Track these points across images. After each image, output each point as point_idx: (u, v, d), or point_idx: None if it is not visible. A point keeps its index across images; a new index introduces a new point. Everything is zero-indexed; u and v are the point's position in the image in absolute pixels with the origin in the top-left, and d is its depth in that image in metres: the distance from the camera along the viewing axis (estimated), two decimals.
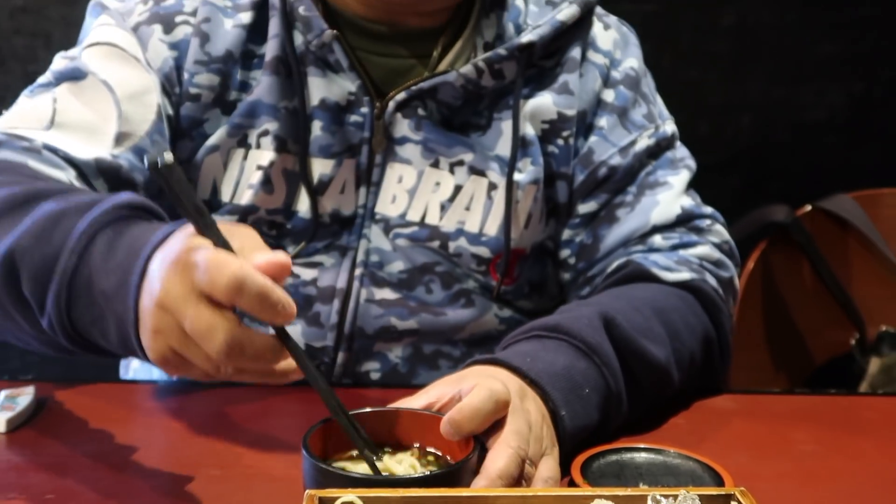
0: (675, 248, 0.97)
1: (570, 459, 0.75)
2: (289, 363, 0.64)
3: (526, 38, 0.92)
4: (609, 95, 0.98)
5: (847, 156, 1.88)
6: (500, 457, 0.66)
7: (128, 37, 0.91)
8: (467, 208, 0.94)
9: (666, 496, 0.62)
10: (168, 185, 0.59)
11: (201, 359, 0.61)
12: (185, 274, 0.59)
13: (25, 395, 0.86)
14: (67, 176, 0.83)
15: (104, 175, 0.86)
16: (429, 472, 0.67)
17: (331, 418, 0.68)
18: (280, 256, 0.61)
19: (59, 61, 0.92)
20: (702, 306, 0.93)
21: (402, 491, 0.63)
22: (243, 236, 0.63)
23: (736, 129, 1.86)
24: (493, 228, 0.94)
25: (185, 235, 0.62)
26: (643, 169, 0.98)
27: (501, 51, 0.91)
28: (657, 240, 0.97)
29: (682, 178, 0.99)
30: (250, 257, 0.60)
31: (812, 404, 0.96)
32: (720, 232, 1.01)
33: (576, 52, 0.96)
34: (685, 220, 0.98)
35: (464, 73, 0.91)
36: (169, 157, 0.59)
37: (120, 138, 0.87)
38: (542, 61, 0.95)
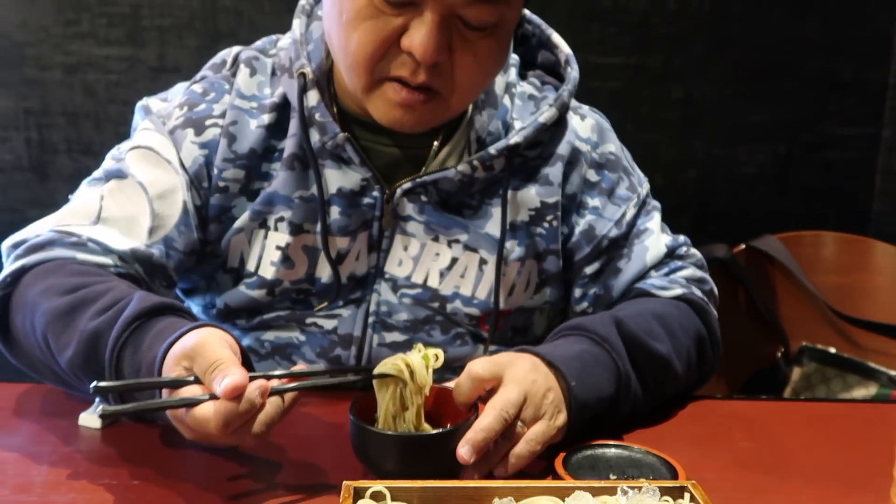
0: (666, 274, 0.97)
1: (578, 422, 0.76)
2: (272, 406, 0.67)
3: (513, 140, 0.89)
4: (594, 177, 0.96)
5: (773, 204, 1.87)
6: (485, 416, 0.70)
7: (164, 140, 0.89)
8: (462, 276, 0.92)
9: (632, 487, 0.63)
10: (123, 414, 0.71)
11: (214, 439, 0.66)
12: (180, 424, 0.68)
13: None
14: (111, 260, 0.83)
15: (139, 261, 0.85)
16: (435, 432, 0.71)
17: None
18: (233, 380, 0.62)
19: (109, 161, 0.91)
20: (694, 312, 0.94)
21: (421, 482, 0.63)
22: (208, 376, 0.65)
23: (685, 181, 1.86)
24: (482, 294, 0.92)
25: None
26: (632, 230, 0.97)
27: (492, 151, 0.88)
28: (652, 273, 0.97)
29: (656, 220, 0.99)
30: (214, 384, 0.63)
31: (747, 408, 0.95)
32: (694, 253, 1.01)
33: (556, 147, 0.93)
34: (670, 254, 0.99)
35: (461, 169, 0.88)
36: (104, 409, 0.66)
37: (152, 231, 0.86)
38: (527, 151, 0.92)
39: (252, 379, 0.64)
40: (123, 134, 1.75)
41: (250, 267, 0.90)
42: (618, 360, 0.82)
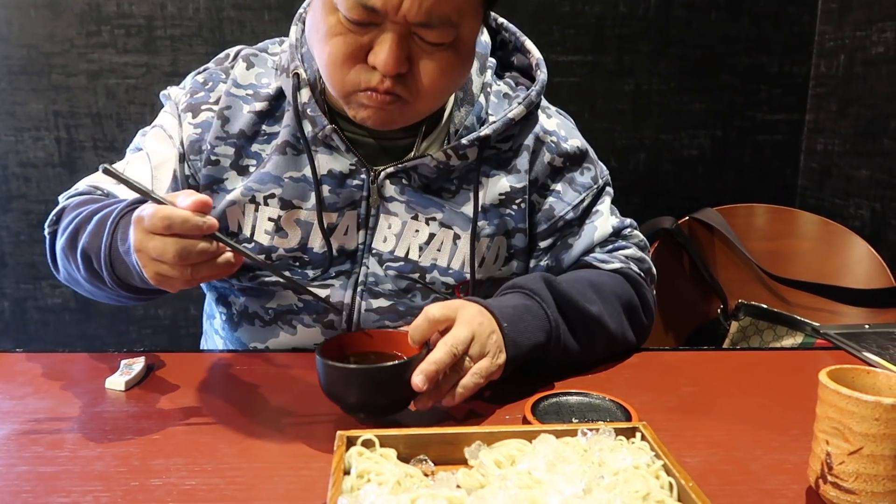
0: (609, 252, 0.96)
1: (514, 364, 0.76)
2: (226, 256, 0.69)
3: (483, 132, 0.88)
4: (560, 163, 0.95)
5: (712, 181, 1.88)
6: (437, 350, 0.70)
7: (173, 120, 0.93)
8: (438, 250, 0.91)
9: (591, 429, 0.62)
10: (119, 180, 0.65)
11: (170, 271, 0.66)
12: (139, 225, 0.66)
13: (138, 363, 0.85)
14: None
15: None
16: (392, 363, 0.69)
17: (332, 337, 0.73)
18: (200, 196, 0.66)
19: (138, 136, 0.96)
20: (628, 283, 0.93)
21: (406, 430, 0.62)
22: (184, 194, 0.67)
23: (636, 163, 1.85)
24: (456, 265, 0.91)
25: (139, 207, 0.68)
26: (588, 214, 0.97)
27: (464, 141, 0.87)
28: (597, 249, 0.97)
29: (606, 203, 0.98)
30: (178, 202, 0.65)
31: (691, 357, 0.95)
32: (637, 235, 1.00)
33: (527, 140, 0.93)
34: (616, 234, 0.98)
35: (436, 157, 0.87)
36: (110, 166, 0.67)
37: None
38: (499, 144, 0.92)
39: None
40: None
41: (246, 233, 0.90)
42: (548, 311, 0.82)
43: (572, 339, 0.84)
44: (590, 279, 0.89)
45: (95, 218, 0.79)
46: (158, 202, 0.65)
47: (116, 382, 0.81)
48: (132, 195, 0.85)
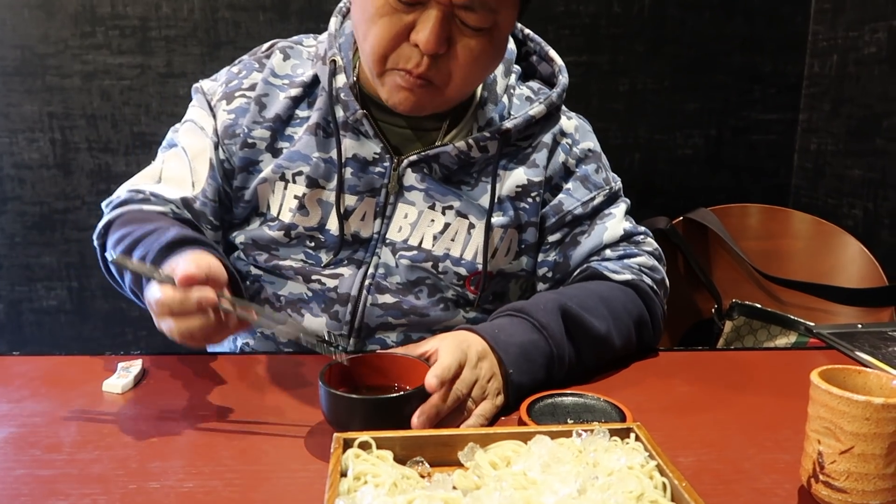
0: (621, 257, 0.96)
1: (520, 404, 0.75)
2: (234, 321, 0.71)
3: (504, 126, 0.91)
4: (572, 165, 0.98)
5: (706, 180, 1.88)
6: (440, 394, 0.69)
7: (202, 113, 0.97)
8: (452, 239, 0.93)
9: (585, 430, 0.62)
10: (126, 267, 0.73)
11: (185, 342, 0.70)
12: (151, 309, 0.71)
13: (135, 366, 0.85)
14: (168, 208, 0.92)
15: (187, 208, 0.95)
16: (396, 395, 0.68)
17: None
18: (188, 271, 0.67)
19: (169, 134, 0.99)
20: (639, 297, 0.93)
21: (402, 432, 0.62)
22: (184, 260, 0.70)
23: (631, 163, 1.86)
24: (469, 255, 0.93)
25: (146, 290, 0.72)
26: (597, 213, 0.98)
27: (486, 133, 0.91)
28: (608, 252, 0.97)
29: (621, 209, 0.99)
30: (177, 271, 0.68)
31: (685, 358, 0.96)
32: (651, 243, 1.00)
33: (545, 138, 0.96)
34: (627, 238, 0.98)
35: (458, 146, 0.90)
36: (115, 256, 0.73)
37: (194, 185, 0.95)
38: (520, 142, 0.95)
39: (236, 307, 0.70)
40: (137, 133, 1.74)
41: (273, 212, 0.94)
42: (553, 347, 0.81)
43: (577, 361, 0.84)
44: (601, 294, 0.89)
45: (135, 256, 0.81)
46: (162, 281, 0.69)
47: (114, 385, 0.81)
48: (173, 194, 0.93)
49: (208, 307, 0.68)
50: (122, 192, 0.95)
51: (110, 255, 0.76)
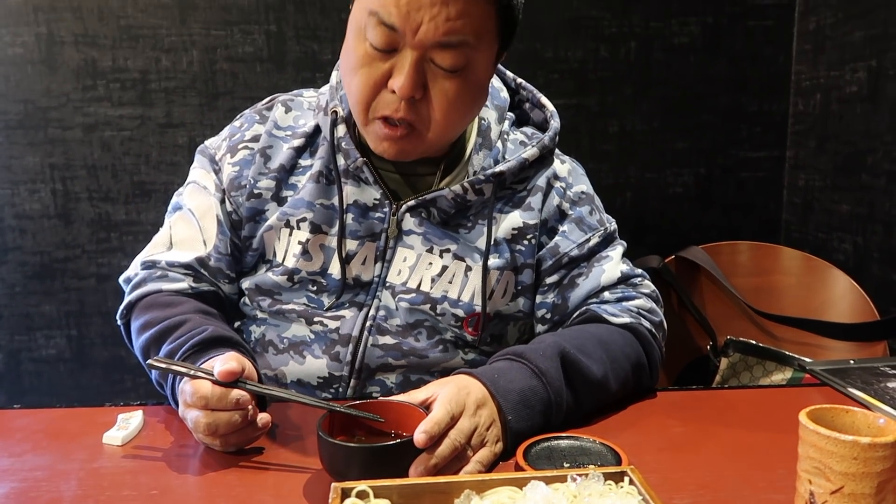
0: (619, 300, 0.97)
1: (516, 449, 0.76)
2: (262, 417, 0.77)
3: (499, 169, 0.94)
4: (567, 208, 1.00)
5: (697, 218, 1.91)
6: (439, 444, 0.70)
7: (204, 172, 1.00)
8: (450, 282, 0.94)
9: (580, 474, 0.63)
10: (169, 369, 0.76)
11: (204, 439, 0.77)
12: (182, 397, 0.77)
13: (135, 417, 0.85)
14: (186, 284, 0.95)
15: (203, 267, 0.97)
16: (392, 443, 0.68)
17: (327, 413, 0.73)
18: (228, 366, 0.74)
19: (174, 198, 1.02)
20: (637, 341, 0.94)
21: (399, 481, 0.63)
22: (221, 360, 0.75)
23: (622, 202, 1.88)
24: (467, 297, 0.95)
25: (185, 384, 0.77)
26: (594, 255, 1.00)
27: (481, 177, 0.93)
28: (606, 295, 0.98)
29: (618, 251, 1.01)
30: (216, 368, 0.74)
31: (680, 397, 0.96)
32: (648, 285, 1.02)
33: (539, 181, 0.98)
34: (624, 280, 0.99)
35: (453, 189, 0.93)
36: (158, 362, 0.77)
37: (206, 243, 0.98)
38: (514, 185, 0.97)
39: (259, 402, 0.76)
40: (137, 182, 1.77)
41: (279, 258, 0.96)
42: (552, 395, 0.81)
43: (575, 407, 0.85)
44: (600, 338, 0.90)
45: (165, 350, 0.85)
46: (196, 377, 0.75)
47: (114, 437, 0.81)
48: (186, 256, 0.96)
49: (245, 406, 0.74)
50: (137, 268, 0.98)
51: (138, 346, 0.83)
